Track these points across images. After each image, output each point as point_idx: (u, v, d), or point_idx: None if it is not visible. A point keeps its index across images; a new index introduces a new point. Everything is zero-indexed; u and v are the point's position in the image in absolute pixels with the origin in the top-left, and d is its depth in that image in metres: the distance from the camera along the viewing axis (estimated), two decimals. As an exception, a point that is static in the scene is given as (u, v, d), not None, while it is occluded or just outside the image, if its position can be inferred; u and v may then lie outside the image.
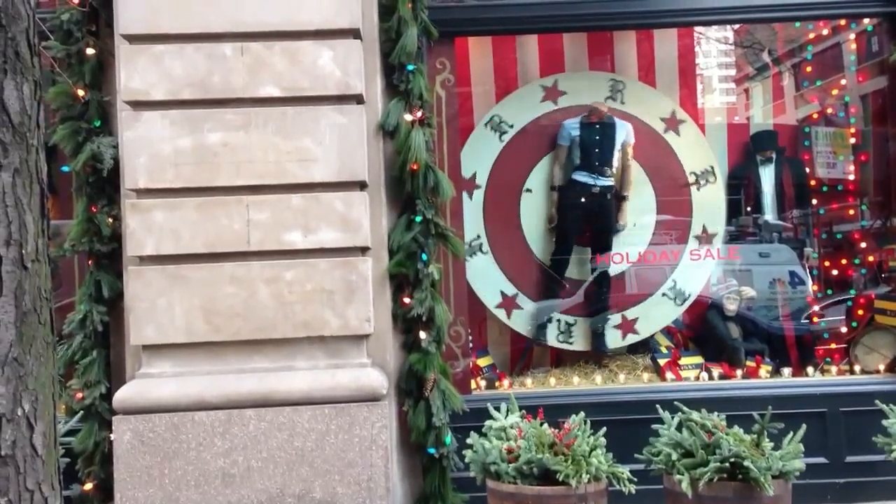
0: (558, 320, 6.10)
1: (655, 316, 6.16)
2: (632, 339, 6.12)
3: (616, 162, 6.13)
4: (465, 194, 5.67)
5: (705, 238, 6.19)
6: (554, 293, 6.15)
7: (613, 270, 6.18)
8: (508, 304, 6.06)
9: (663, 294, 6.14)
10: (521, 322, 6.10)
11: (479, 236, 6.03)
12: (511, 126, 6.11)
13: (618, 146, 6.10)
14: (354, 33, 4.54)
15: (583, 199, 6.09)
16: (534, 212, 6.16)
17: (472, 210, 5.96)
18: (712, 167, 6.19)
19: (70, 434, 4.46)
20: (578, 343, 6.11)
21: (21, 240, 1.91)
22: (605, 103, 6.14)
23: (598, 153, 6.07)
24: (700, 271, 6.20)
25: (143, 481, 4.28)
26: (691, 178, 6.18)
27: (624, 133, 6.12)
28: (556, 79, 6.17)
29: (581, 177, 6.08)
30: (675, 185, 6.21)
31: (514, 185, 6.15)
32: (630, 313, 6.12)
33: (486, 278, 6.01)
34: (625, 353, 6.17)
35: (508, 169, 6.11)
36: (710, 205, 6.20)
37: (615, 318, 6.11)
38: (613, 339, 6.12)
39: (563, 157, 6.15)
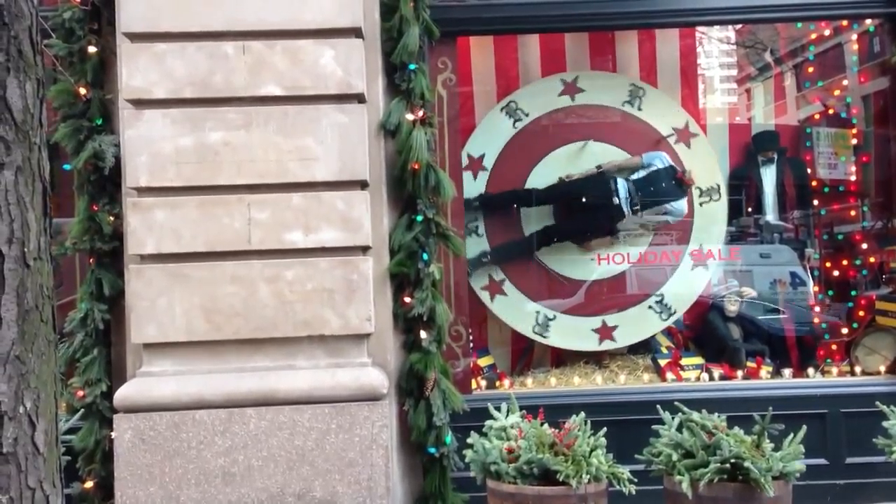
0: (538, 312, 6.04)
1: (637, 327, 6.07)
2: (608, 345, 6.04)
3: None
4: (469, 174, 5.66)
5: (700, 257, 6.15)
6: (540, 285, 6.12)
7: (605, 273, 6.15)
8: (494, 288, 6.02)
9: (649, 307, 6.08)
10: (503, 308, 6.05)
11: (476, 219, 6.02)
12: (526, 114, 6.09)
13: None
14: (356, 32, 4.54)
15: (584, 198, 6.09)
16: (535, 205, 6.15)
17: (474, 191, 5.95)
18: (718, 185, 6.14)
19: (71, 432, 4.47)
20: (554, 339, 6.05)
21: (23, 238, 1.91)
22: (623, 107, 6.10)
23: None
24: (690, 288, 6.14)
25: (143, 480, 4.28)
26: (696, 193, 6.14)
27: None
28: (578, 75, 6.16)
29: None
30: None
31: (521, 172, 6.11)
32: (611, 319, 6.05)
33: (474, 255, 5.96)
34: (626, 353, 6.15)
35: (517, 156, 6.08)
36: (710, 223, 6.15)
37: (595, 322, 6.05)
38: (589, 342, 6.05)
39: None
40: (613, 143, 6.15)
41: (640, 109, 6.14)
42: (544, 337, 6.01)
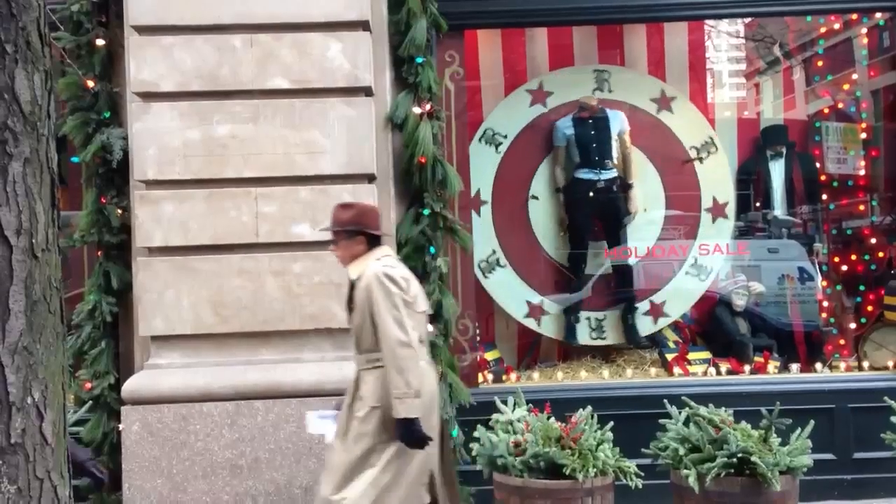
0: (588, 318, 6.07)
1: (682, 294, 6.11)
2: (663, 322, 6.06)
3: (615, 152, 6.09)
4: (472, 212, 5.65)
5: (717, 209, 6.13)
6: (577, 293, 6.12)
7: (632, 259, 6.14)
8: (535, 312, 6.01)
9: (686, 273, 6.09)
10: (551, 327, 6.05)
11: (494, 251, 5.97)
12: (505, 136, 6.04)
13: (614, 136, 6.06)
14: (363, 25, 4.54)
15: (590, 195, 6.05)
16: (543, 217, 6.12)
17: (483, 226, 5.91)
18: (711, 138, 6.14)
19: (79, 424, 4.49)
20: (611, 337, 6.08)
21: (31, 229, 1.91)
22: (594, 95, 6.10)
23: (595, 147, 6.03)
24: (718, 243, 6.15)
25: (151, 472, 4.29)
26: (692, 153, 6.13)
27: (618, 122, 6.07)
28: (541, 80, 6.12)
29: (584, 174, 6.04)
30: (677, 162, 6.16)
31: (519, 193, 6.10)
32: (657, 297, 6.06)
33: (510, 291, 5.97)
34: (632, 347, 6.14)
35: (510, 179, 6.05)
36: (716, 175, 6.14)
37: (643, 306, 6.06)
38: (645, 327, 6.07)
39: (561, 157, 6.10)
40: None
41: (610, 91, 6.12)
42: (602, 339, 6.06)
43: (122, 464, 4.33)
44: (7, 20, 1.86)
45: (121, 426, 4.36)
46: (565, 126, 6.06)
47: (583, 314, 6.08)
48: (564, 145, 6.07)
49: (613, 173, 6.07)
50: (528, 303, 6.01)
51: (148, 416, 4.32)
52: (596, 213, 6.16)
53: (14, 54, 1.86)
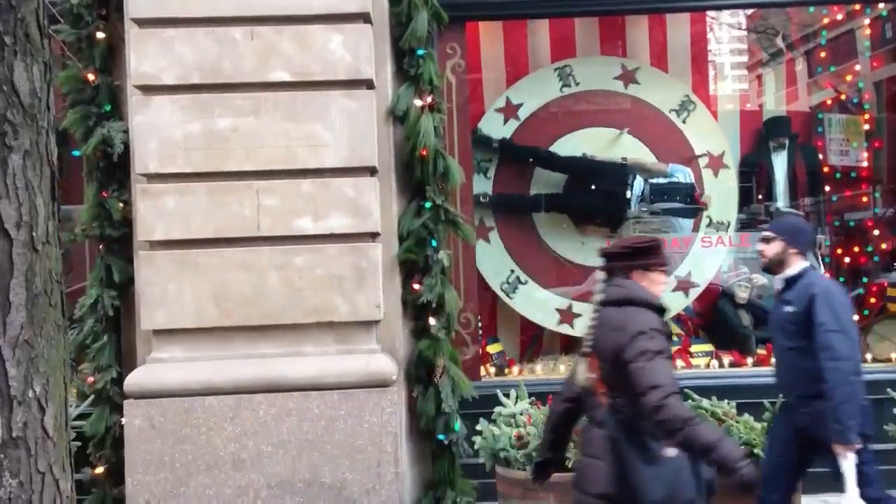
0: (512, 271, 6.01)
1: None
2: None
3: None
4: (500, 116, 5.65)
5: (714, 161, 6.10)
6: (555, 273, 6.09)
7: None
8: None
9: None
10: (524, 300, 6.02)
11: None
12: (577, 83, 6.05)
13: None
14: (364, 17, 4.52)
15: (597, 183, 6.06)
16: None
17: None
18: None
19: (82, 418, 4.49)
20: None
21: (31, 222, 1.91)
22: (669, 115, 6.05)
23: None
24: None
25: (153, 465, 4.29)
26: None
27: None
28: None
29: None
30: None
31: (549, 134, 6.07)
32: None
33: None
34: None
35: (552, 118, 6.05)
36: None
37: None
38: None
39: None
40: (645, 142, 6.11)
41: (684, 123, 6.05)
42: (511, 298, 5.99)
43: (125, 457, 4.33)
44: (6, 11, 1.85)
45: (123, 420, 4.36)
46: None
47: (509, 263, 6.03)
48: None
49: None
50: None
51: (150, 410, 4.32)
52: (595, 195, 6.14)
53: (13, 46, 1.86)
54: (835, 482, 4.95)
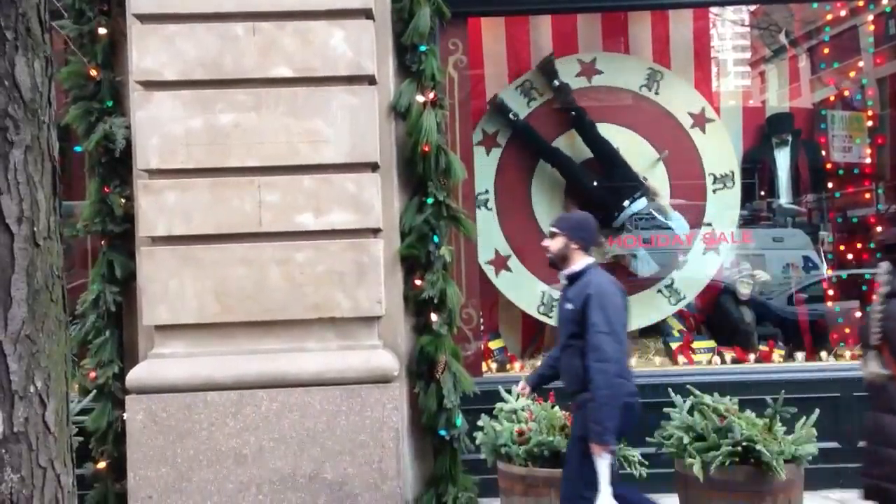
0: (543, 292, 5.98)
1: (645, 311, 5.98)
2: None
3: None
4: (482, 150, 5.62)
5: (713, 240, 6.08)
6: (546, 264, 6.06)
7: (617, 256, 6.10)
8: (499, 263, 5.97)
9: (658, 291, 6.03)
10: (506, 284, 6.00)
11: (487, 191, 5.96)
12: (541, 94, 6.05)
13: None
14: (366, 13, 4.52)
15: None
16: (545, 182, 6.10)
17: (486, 166, 5.91)
18: (733, 172, 6.07)
19: (84, 413, 4.49)
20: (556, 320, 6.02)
21: (33, 217, 1.90)
22: (640, 91, 6.04)
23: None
24: (701, 274, 6.09)
25: (155, 460, 4.30)
26: (710, 180, 6.07)
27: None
28: (596, 56, 6.10)
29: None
30: (692, 182, 6.11)
31: (533, 152, 6.07)
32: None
33: (485, 234, 5.86)
34: (637, 335, 6.12)
35: (531, 135, 6.05)
36: (723, 209, 6.09)
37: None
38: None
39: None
40: (630, 126, 6.08)
41: (657, 94, 6.06)
42: (549, 317, 5.96)
43: (127, 453, 4.33)
44: (7, 6, 1.84)
45: (125, 415, 4.36)
46: None
47: (542, 286, 5.99)
48: None
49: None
50: (497, 251, 5.99)
51: (152, 406, 4.32)
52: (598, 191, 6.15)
53: (14, 41, 1.85)
54: (835, 479, 4.98)
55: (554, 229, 3.72)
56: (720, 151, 6.08)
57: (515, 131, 6.02)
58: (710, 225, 6.06)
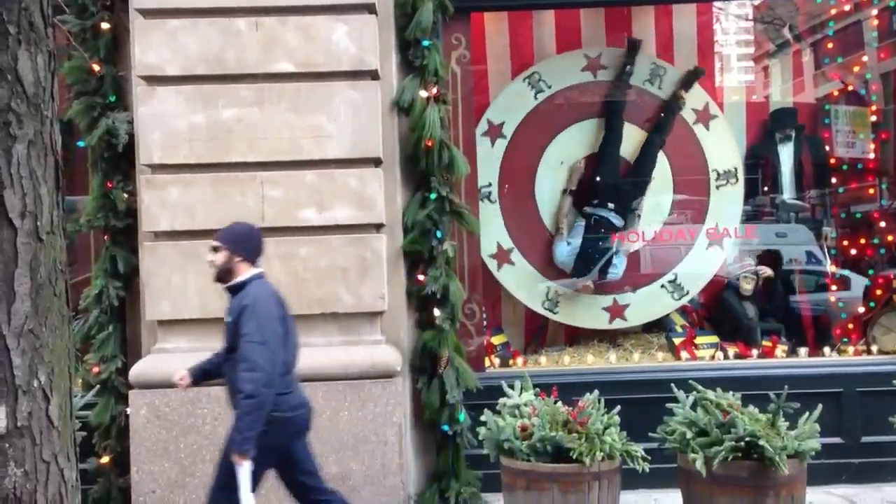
0: (548, 287, 5.97)
1: (648, 306, 6.00)
2: (618, 324, 5.98)
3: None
4: (487, 139, 5.60)
5: (716, 235, 6.05)
6: (551, 259, 6.06)
7: (639, 243, 6.09)
8: (502, 256, 5.95)
9: (662, 286, 6.02)
10: (509, 278, 5.97)
11: (490, 184, 5.93)
12: (549, 86, 6.02)
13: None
14: (369, 8, 4.51)
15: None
16: (549, 176, 6.08)
17: (490, 157, 5.88)
18: (736, 169, 6.04)
19: (87, 408, 4.50)
20: (563, 315, 6.00)
21: (36, 211, 1.91)
22: (644, 86, 6.03)
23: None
24: (704, 269, 6.07)
25: (158, 455, 4.31)
26: (713, 176, 6.05)
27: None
28: (602, 52, 6.08)
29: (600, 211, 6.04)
30: (695, 179, 6.09)
31: (539, 144, 6.03)
32: (622, 298, 5.99)
33: (487, 228, 5.79)
34: (640, 331, 6.12)
35: (537, 127, 6.01)
36: (727, 205, 6.06)
37: (606, 300, 5.99)
38: (599, 321, 5.99)
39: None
40: (633, 122, 6.07)
41: (660, 88, 6.04)
42: (554, 313, 5.96)
43: (130, 447, 4.34)
44: (10, 1, 1.84)
45: (128, 410, 4.37)
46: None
47: (547, 282, 5.99)
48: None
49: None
50: (499, 244, 5.93)
51: (155, 400, 4.33)
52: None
53: (17, 35, 1.85)
54: (838, 474, 4.98)
55: (216, 243, 3.60)
56: (723, 148, 6.05)
57: (616, 86, 6.01)
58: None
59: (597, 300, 5.99)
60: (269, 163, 4.44)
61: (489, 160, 5.85)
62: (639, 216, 6.06)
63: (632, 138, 6.06)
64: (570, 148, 6.06)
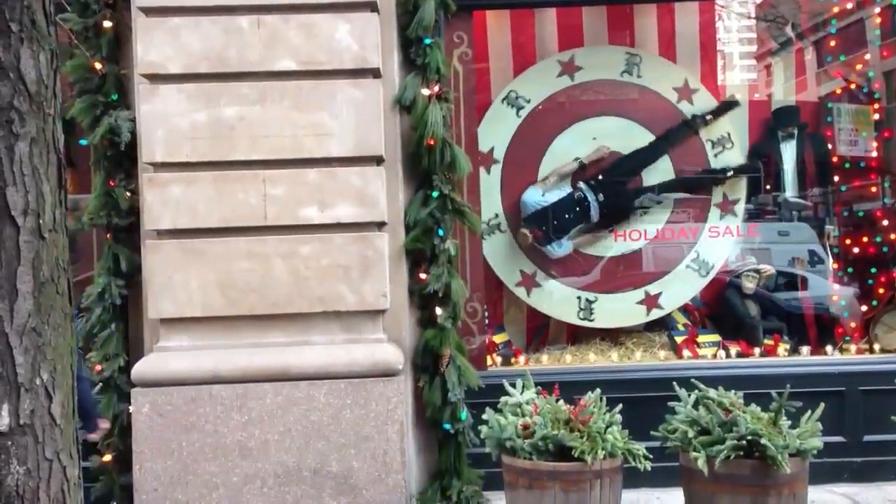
0: (578, 297, 6.03)
1: (680, 289, 6.06)
2: (656, 314, 6.01)
3: None
4: (482, 169, 5.61)
5: (727, 207, 6.09)
6: (573, 270, 6.08)
7: (634, 246, 6.10)
8: (528, 282, 6.00)
9: (687, 266, 6.04)
10: (540, 300, 6.03)
11: (497, 215, 5.95)
12: (528, 101, 6.03)
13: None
14: (371, 6, 4.51)
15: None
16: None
17: (490, 185, 5.89)
18: (728, 133, 6.09)
19: (89, 406, 4.51)
20: (600, 320, 6.03)
21: (38, 209, 1.91)
22: (622, 77, 6.05)
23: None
24: (722, 242, 6.10)
25: (161, 453, 4.31)
26: (708, 146, 6.08)
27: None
28: (573, 54, 6.08)
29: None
30: (692, 154, 6.11)
31: (532, 160, 6.05)
32: (653, 288, 6.02)
33: (505, 257, 5.94)
34: (641, 330, 6.13)
35: (526, 144, 6.02)
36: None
37: (637, 294, 6.02)
38: (637, 316, 6.03)
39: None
40: (620, 114, 6.08)
41: (639, 77, 6.04)
42: (590, 321, 5.99)
43: (133, 445, 4.35)
44: (12, -1, 1.85)
45: (131, 408, 4.38)
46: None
47: (575, 292, 6.02)
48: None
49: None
50: (522, 272, 5.99)
51: (158, 399, 4.33)
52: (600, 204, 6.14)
53: (19, 33, 1.85)
54: (840, 473, 4.98)
55: None
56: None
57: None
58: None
59: (628, 296, 6.02)
60: (271, 161, 4.44)
61: (489, 189, 5.85)
62: (640, 215, 6.07)
63: (637, 138, 6.07)
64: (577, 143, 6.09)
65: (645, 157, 6.06)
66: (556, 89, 6.06)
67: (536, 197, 5.97)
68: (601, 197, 6.03)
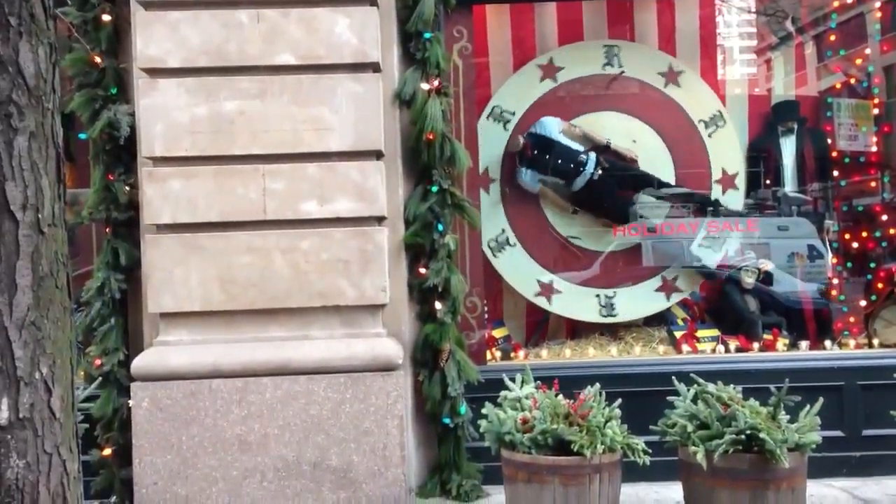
0: (597, 296, 6.01)
1: (696, 268, 6.07)
2: (676, 297, 6.02)
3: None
4: (481, 190, 5.60)
5: (727, 181, 6.09)
6: (588, 270, 6.08)
7: (640, 236, 6.10)
8: (546, 291, 5.97)
9: (700, 245, 6.06)
10: (562, 306, 6.01)
11: (503, 231, 5.94)
12: (513, 114, 6.00)
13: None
14: (371, 1, 4.50)
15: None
16: (551, 195, 6.10)
17: (492, 203, 5.89)
18: (720, 111, 6.09)
19: (89, 400, 4.51)
20: (623, 314, 6.01)
21: (37, 204, 1.91)
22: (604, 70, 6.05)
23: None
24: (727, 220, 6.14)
25: (160, 447, 4.32)
26: (700, 126, 6.08)
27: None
28: (551, 55, 6.06)
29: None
30: (685, 135, 6.10)
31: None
32: (669, 273, 6.01)
33: (520, 270, 5.93)
34: (640, 324, 6.13)
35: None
36: (725, 147, 6.09)
37: (655, 282, 6.00)
38: (658, 303, 6.02)
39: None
40: (609, 108, 6.11)
41: (620, 66, 6.06)
42: (613, 316, 5.99)
43: (133, 439, 4.35)
44: (11, -7, 1.84)
45: (130, 402, 4.38)
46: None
47: (594, 291, 6.01)
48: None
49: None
50: (539, 282, 5.98)
51: (157, 393, 4.34)
52: (602, 194, 6.12)
53: (18, 27, 1.85)
54: (838, 467, 4.99)
55: None
56: (699, 98, 6.11)
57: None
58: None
59: (646, 285, 6.02)
60: (270, 155, 4.44)
61: (492, 207, 5.87)
62: (640, 215, 6.08)
63: (625, 127, 6.08)
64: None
65: (655, 185, 6.09)
66: (540, 94, 6.05)
67: (553, 128, 5.97)
68: (595, 176, 6.00)
